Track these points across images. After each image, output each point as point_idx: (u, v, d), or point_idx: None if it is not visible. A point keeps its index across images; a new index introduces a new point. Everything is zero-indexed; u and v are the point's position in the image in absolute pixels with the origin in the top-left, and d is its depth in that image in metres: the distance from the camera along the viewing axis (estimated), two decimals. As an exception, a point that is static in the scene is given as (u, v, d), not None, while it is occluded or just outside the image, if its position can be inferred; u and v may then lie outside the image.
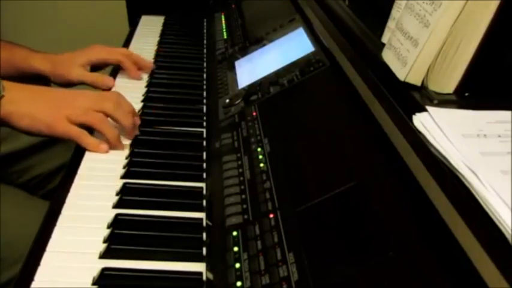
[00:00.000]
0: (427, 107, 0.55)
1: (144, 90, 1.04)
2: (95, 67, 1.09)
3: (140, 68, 1.12)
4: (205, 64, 1.20)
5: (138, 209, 0.70)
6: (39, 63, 1.03)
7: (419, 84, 0.61)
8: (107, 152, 0.83)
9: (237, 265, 0.56)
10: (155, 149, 0.84)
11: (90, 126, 0.83)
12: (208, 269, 0.60)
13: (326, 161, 0.63)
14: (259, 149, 0.72)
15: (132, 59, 1.11)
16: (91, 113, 0.83)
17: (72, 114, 0.82)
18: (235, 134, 0.79)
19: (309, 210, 0.57)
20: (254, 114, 0.81)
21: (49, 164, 1.10)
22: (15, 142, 1.06)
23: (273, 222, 0.59)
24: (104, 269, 0.59)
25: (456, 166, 0.46)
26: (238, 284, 0.54)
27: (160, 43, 1.31)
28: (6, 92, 0.79)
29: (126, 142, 0.85)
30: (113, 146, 0.83)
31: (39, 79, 1.05)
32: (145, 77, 1.10)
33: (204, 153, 0.83)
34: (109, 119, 0.84)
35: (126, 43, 1.31)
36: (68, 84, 1.04)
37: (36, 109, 0.81)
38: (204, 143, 0.87)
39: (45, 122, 0.81)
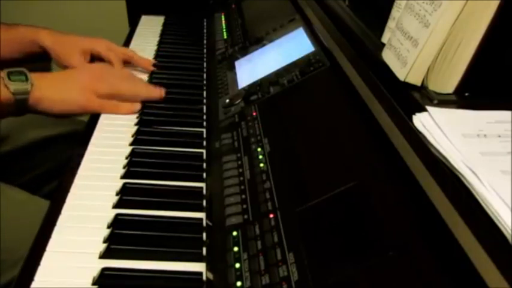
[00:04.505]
0: (427, 107, 0.55)
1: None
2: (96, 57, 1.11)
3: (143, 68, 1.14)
4: (205, 64, 1.20)
5: (138, 209, 0.70)
6: (44, 37, 1.07)
7: (419, 84, 0.61)
8: (140, 109, 0.94)
9: (237, 265, 0.56)
10: (155, 149, 0.84)
11: (118, 97, 0.93)
12: (208, 269, 0.60)
13: (326, 161, 0.63)
14: (259, 149, 0.72)
15: (132, 61, 1.13)
16: (117, 85, 0.93)
17: (100, 88, 0.90)
18: (235, 134, 0.79)
19: (309, 210, 0.57)
20: (254, 114, 0.81)
21: (49, 164, 1.10)
22: (15, 141, 1.06)
23: (273, 222, 0.59)
24: (104, 269, 0.59)
25: (456, 166, 0.46)
26: (238, 284, 0.54)
27: (160, 43, 1.31)
28: (34, 81, 0.85)
29: (126, 142, 0.85)
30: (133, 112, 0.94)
31: (42, 59, 1.08)
32: (145, 77, 1.10)
33: (204, 153, 0.83)
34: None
35: (126, 43, 1.31)
36: (65, 67, 1.07)
37: (66, 92, 0.88)
38: (204, 143, 0.87)
39: (78, 103, 0.89)
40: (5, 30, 1.03)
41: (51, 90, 0.87)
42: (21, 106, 0.84)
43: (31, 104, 0.85)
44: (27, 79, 0.84)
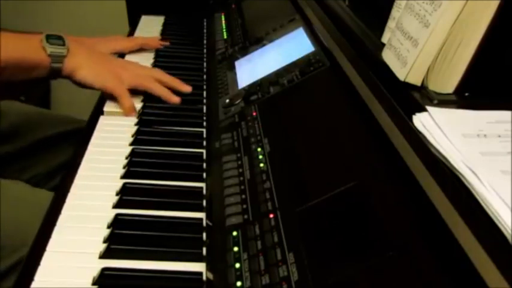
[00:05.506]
0: (427, 107, 0.55)
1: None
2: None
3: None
4: (205, 64, 1.20)
5: (138, 209, 0.70)
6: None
7: (419, 84, 0.61)
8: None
9: (237, 265, 0.56)
10: (155, 149, 0.84)
11: (141, 88, 0.96)
12: (208, 269, 0.60)
13: (326, 161, 0.63)
14: (259, 149, 0.72)
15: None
16: (141, 76, 0.96)
17: (124, 75, 0.94)
18: (235, 134, 0.79)
19: (309, 210, 0.57)
20: (254, 114, 0.81)
21: (50, 163, 1.10)
22: (17, 140, 1.06)
23: (273, 222, 0.59)
24: (104, 269, 0.59)
25: (456, 166, 0.46)
26: (238, 284, 0.54)
27: (160, 43, 1.31)
28: (71, 48, 0.89)
29: (126, 142, 0.85)
30: (169, 100, 0.96)
31: None
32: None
33: (204, 153, 0.83)
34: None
35: (126, 43, 1.31)
36: None
37: (99, 67, 0.93)
38: (204, 143, 0.87)
39: (107, 80, 0.92)
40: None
41: (86, 61, 0.90)
42: (54, 70, 0.88)
43: (64, 70, 0.88)
44: (64, 44, 0.88)
